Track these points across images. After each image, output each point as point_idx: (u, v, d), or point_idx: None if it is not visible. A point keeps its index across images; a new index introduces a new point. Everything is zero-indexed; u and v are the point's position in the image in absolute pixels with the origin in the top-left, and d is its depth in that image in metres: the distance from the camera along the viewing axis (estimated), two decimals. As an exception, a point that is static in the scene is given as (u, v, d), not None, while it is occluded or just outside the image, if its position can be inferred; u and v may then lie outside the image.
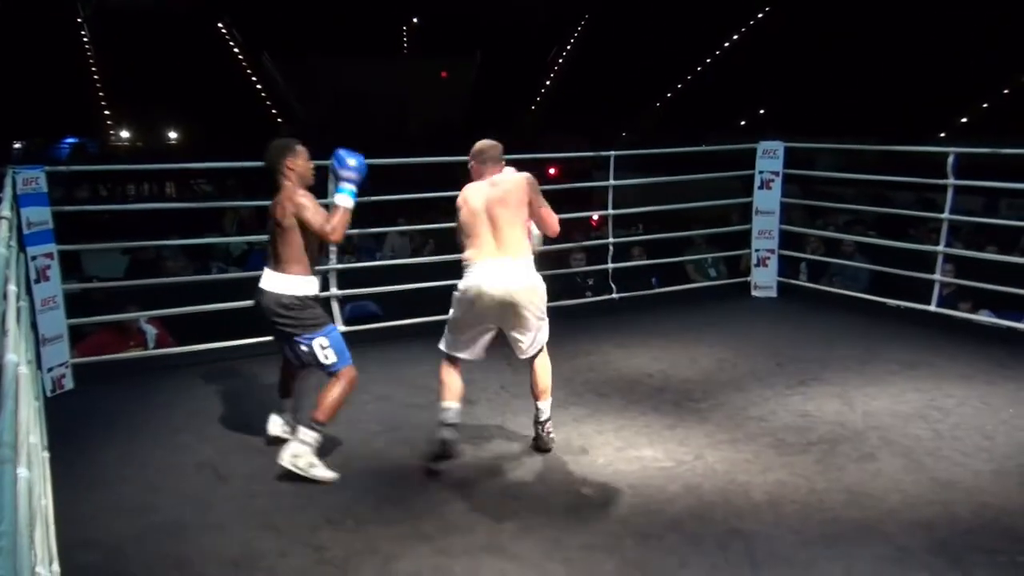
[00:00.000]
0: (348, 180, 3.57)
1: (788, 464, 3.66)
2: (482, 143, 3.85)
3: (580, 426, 4.14)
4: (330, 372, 3.58)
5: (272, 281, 3.56)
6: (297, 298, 3.54)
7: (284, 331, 3.57)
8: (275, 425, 3.95)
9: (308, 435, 3.54)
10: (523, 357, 3.81)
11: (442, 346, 3.83)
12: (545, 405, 3.85)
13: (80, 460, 3.74)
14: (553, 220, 3.81)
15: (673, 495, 3.38)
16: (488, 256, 3.63)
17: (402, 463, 3.75)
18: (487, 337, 3.79)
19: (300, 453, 3.52)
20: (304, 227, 3.51)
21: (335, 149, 3.67)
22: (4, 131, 21.41)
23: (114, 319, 5.25)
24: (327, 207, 3.72)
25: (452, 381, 3.75)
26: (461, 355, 3.79)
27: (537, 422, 3.87)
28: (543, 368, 3.84)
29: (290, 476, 3.52)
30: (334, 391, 3.55)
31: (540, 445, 3.86)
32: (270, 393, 4.55)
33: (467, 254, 3.70)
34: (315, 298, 3.63)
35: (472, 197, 3.72)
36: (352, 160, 3.61)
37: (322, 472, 3.54)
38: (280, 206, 3.52)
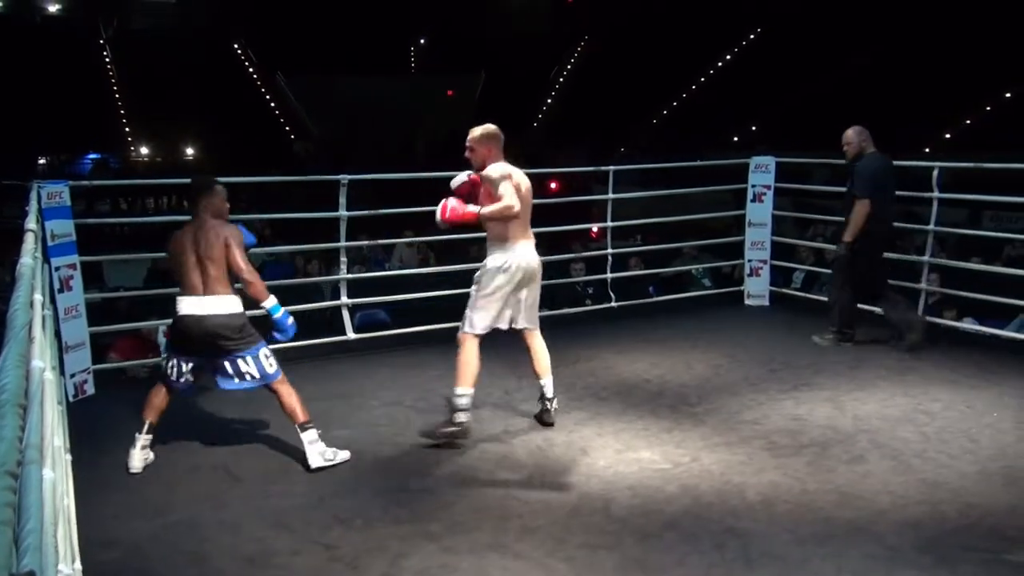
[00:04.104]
0: (283, 318, 3.80)
1: (781, 466, 3.74)
2: (495, 127, 4.01)
3: (581, 429, 4.23)
4: (269, 381, 3.75)
5: (212, 305, 3.67)
6: (237, 315, 3.72)
7: (229, 350, 3.70)
8: (139, 458, 3.82)
9: (310, 435, 3.80)
10: (531, 327, 4.13)
11: (475, 328, 3.98)
12: (549, 382, 4.19)
13: (101, 462, 3.82)
14: None
15: (671, 496, 3.46)
16: (525, 236, 4.01)
17: (410, 465, 3.84)
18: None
19: (321, 451, 3.81)
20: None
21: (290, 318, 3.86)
22: (29, 147, 21.57)
23: (134, 327, 5.34)
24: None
25: (476, 366, 3.96)
26: (500, 326, 4.03)
27: (544, 398, 4.20)
28: (544, 347, 4.20)
29: (305, 477, 3.71)
30: (287, 397, 3.79)
31: (544, 419, 4.23)
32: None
33: (508, 234, 3.94)
34: (244, 314, 3.78)
35: (522, 182, 3.94)
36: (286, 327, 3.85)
37: (342, 455, 3.87)
38: (206, 239, 3.66)
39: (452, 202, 3.98)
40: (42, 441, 1.64)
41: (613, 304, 6.61)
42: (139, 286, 6.94)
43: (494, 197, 3.87)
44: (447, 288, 6.09)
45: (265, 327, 3.89)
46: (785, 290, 7.13)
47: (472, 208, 3.94)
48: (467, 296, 6.13)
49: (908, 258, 6.49)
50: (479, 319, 3.97)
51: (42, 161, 23.08)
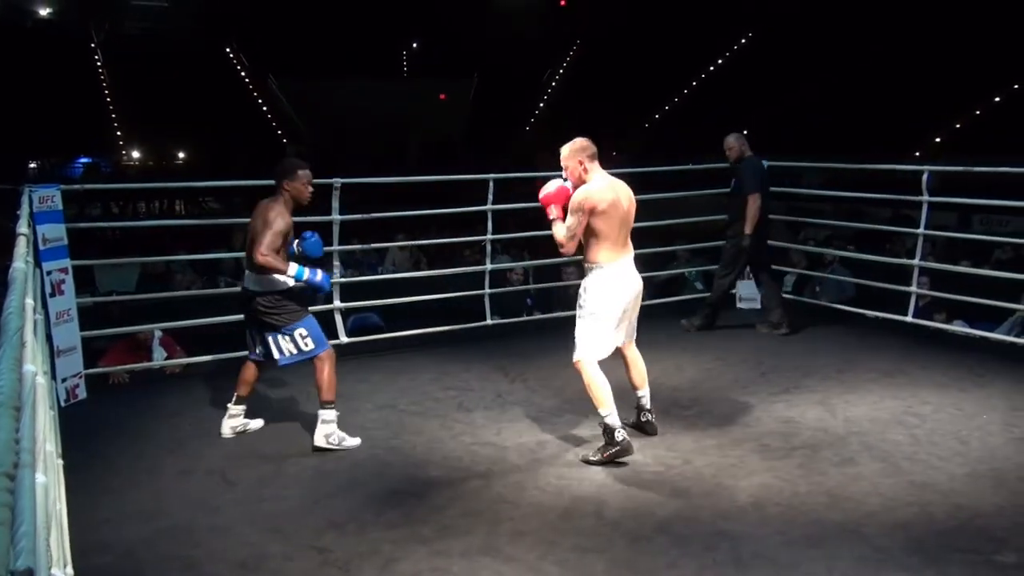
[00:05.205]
0: (310, 275, 3.93)
1: (772, 468, 3.76)
2: (585, 140, 3.91)
3: (573, 432, 4.25)
4: (310, 357, 3.98)
5: (250, 280, 3.98)
6: (272, 293, 3.91)
7: (269, 323, 3.97)
8: (227, 426, 4.23)
9: (327, 415, 4.02)
10: (629, 341, 4.08)
11: (589, 355, 3.87)
12: (646, 392, 4.17)
13: (93, 467, 3.82)
14: None
15: (662, 498, 3.48)
16: (623, 254, 3.90)
17: (403, 469, 3.85)
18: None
19: (330, 432, 4.02)
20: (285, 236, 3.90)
21: (306, 233, 4.04)
22: (20, 151, 21.48)
23: (127, 331, 5.33)
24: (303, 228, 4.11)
25: (605, 383, 3.86)
26: (612, 348, 3.96)
27: (643, 409, 4.17)
28: (640, 358, 4.16)
29: (298, 481, 3.70)
30: (324, 372, 4.00)
31: (648, 429, 4.18)
32: (277, 402, 4.69)
33: (600, 254, 3.83)
34: (287, 292, 3.96)
35: (612, 199, 3.83)
36: (319, 282, 4.02)
37: (351, 441, 4.07)
38: (257, 222, 3.91)
39: (553, 188, 3.90)
40: (34, 445, 1.64)
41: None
42: (131, 290, 6.92)
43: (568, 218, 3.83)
44: (439, 292, 6.11)
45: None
46: (776, 293, 7.15)
47: (555, 211, 3.88)
48: (460, 299, 6.22)
49: (898, 261, 6.53)
50: (592, 346, 3.87)
51: (33, 165, 23.01)
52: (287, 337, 3.96)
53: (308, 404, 4.69)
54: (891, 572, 2.90)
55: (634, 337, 4.13)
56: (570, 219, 3.81)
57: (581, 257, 3.99)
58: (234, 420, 4.23)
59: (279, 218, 3.85)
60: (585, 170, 3.88)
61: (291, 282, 3.95)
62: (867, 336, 6.04)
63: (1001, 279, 5.89)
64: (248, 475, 3.78)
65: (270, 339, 4.00)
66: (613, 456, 3.82)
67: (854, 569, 2.92)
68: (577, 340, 3.91)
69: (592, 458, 3.86)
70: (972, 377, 5.03)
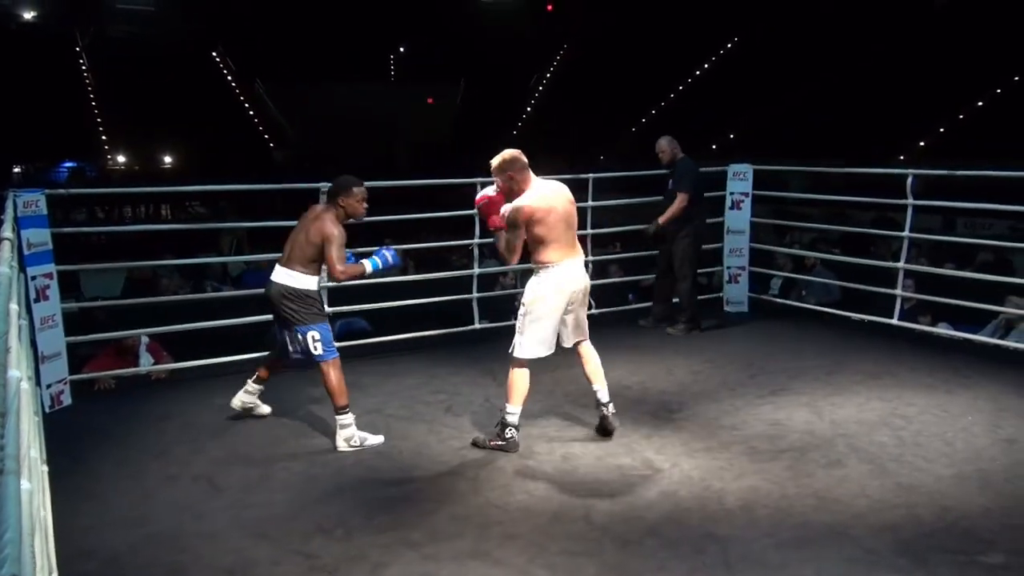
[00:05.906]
0: (382, 261, 4.11)
1: (760, 471, 3.77)
2: (513, 153, 3.96)
3: (561, 436, 4.24)
4: (316, 361, 4.08)
5: (280, 275, 4.09)
6: (298, 291, 4.02)
7: (286, 319, 4.07)
8: (237, 399, 4.45)
9: (344, 420, 4.12)
10: (581, 339, 4.15)
11: (524, 354, 3.97)
12: (601, 388, 4.16)
13: (78, 473, 3.79)
14: None
15: (651, 502, 3.48)
16: (567, 256, 3.96)
17: (391, 474, 3.83)
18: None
19: (349, 435, 4.11)
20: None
21: (385, 252, 4.19)
22: (4, 155, 21.27)
23: (113, 336, 5.28)
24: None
25: (526, 386, 4.02)
26: (552, 347, 4.03)
27: (600, 404, 4.16)
28: (594, 353, 4.19)
29: (286, 486, 3.71)
30: (331, 379, 4.08)
31: (605, 427, 4.17)
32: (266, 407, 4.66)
33: (545, 256, 3.92)
34: (314, 295, 4.09)
35: (549, 205, 3.90)
36: (391, 261, 4.24)
37: (373, 439, 4.16)
38: (317, 226, 4.03)
39: (490, 192, 4.00)
40: (19, 451, 1.63)
41: (593, 311, 6.59)
42: (116, 296, 6.87)
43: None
44: (427, 296, 6.09)
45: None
46: (763, 296, 7.20)
47: (497, 220, 3.97)
48: (448, 303, 6.21)
49: (884, 264, 6.57)
50: (528, 345, 3.98)
51: (17, 169, 22.81)
52: (297, 336, 4.06)
53: (297, 409, 4.67)
54: (879, 573, 2.91)
55: (586, 335, 4.18)
56: (508, 234, 3.91)
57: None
58: (247, 396, 4.42)
59: (336, 231, 3.98)
60: (517, 182, 3.92)
61: (315, 285, 4.10)
62: (854, 338, 6.08)
63: (985, 281, 5.94)
64: (235, 480, 3.75)
65: (287, 334, 4.10)
66: (497, 448, 4.00)
67: (843, 570, 2.93)
68: (517, 338, 3.99)
69: (479, 441, 4.07)
70: (958, 379, 5.07)
